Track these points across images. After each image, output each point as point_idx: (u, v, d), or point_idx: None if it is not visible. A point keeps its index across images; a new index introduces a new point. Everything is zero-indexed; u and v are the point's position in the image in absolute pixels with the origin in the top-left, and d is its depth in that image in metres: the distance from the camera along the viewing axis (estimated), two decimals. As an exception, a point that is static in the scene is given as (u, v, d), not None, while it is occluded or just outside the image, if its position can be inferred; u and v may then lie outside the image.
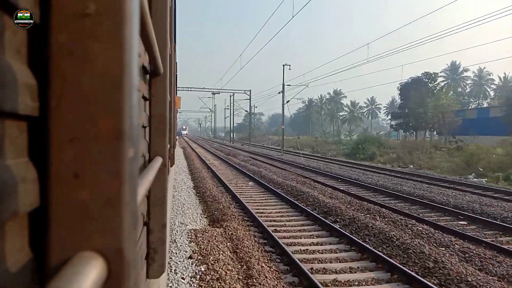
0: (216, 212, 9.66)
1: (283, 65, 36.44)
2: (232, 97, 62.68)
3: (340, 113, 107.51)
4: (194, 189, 13.71)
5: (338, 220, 9.06)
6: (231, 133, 74.91)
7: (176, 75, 13.87)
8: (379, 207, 10.26)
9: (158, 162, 1.50)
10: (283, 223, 8.95)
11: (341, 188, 13.85)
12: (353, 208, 10.31)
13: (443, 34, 29.19)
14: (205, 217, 9.61)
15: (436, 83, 51.87)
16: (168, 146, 2.80)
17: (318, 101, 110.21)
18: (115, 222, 0.41)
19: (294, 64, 36.36)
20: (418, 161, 26.51)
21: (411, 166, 25.78)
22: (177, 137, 58.54)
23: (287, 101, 37.80)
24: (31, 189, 0.45)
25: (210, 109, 79.44)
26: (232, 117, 67.27)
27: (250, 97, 51.80)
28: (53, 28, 0.40)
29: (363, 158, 31.48)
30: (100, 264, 0.40)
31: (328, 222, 8.59)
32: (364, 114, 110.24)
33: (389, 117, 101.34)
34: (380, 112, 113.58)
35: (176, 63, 12.95)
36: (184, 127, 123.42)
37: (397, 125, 54.62)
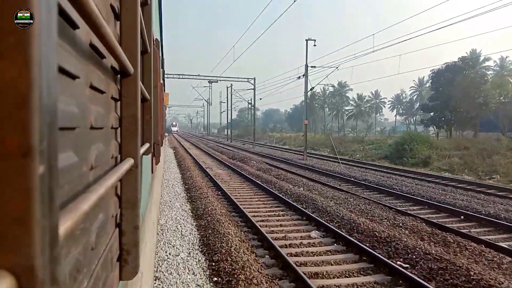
0: None
1: (306, 41, 26.93)
2: (230, 88, 54.86)
3: (346, 108, 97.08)
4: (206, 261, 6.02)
5: None
6: (228, 130, 63.08)
7: (163, 70, 13.79)
8: None
9: (128, 163, 1.50)
10: None
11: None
12: None
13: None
14: None
15: (482, 69, 43.53)
16: (148, 145, 2.79)
17: (321, 94, 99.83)
18: (24, 240, 0.40)
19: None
20: (501, 168, 19.02)
21: (497, 176, 18.18)
22: (166, 134, 53.57)
23: (311, 88, 28.42)
24: None
25: (207, 101, 69.61)
26: (230, 111, 59.30)
27: (254, 86, 43.43)
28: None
29: (413, 163, 24.36)
30: (8, 282, 0.39)
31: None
32: (367, 109, 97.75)
33: (395, 112, 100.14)
34: (384, 106, 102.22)
35: (163, 58, 12.87)
36: (174, 123, 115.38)
37: (430, 120, 45.44)
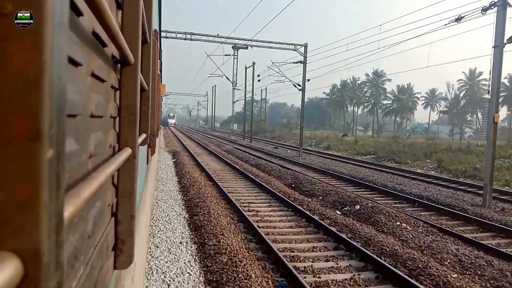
0: None
1: None
2: (250, 67, 37.90)
3: (384, 102, 79.41)
4: None
5: None
6: (235, 124, 49.73)
7: (161, 62, 13.73)
8: None
9: (126, 153, 1.50)
10: None
11: None
12: None
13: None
14: None
15: None
16: (145, 135, 2.78)
17: (351, 84, 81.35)
18: (31, 224, 0.41)
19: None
20: None
21: None
22: (162, 127, 43.58)
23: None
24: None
25: (230, 80, 45.19)
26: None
27: (305, 57, 26.16)
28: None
29: None
30: (15, 264, 0.40)
31: None
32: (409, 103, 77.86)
33: (425, 110, 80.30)
34: (417, 102, 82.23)
35: (161, 49, 12.80)
36: (171, 114, 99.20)
37: None
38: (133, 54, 1.58)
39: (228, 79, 44.58)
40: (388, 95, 78.75)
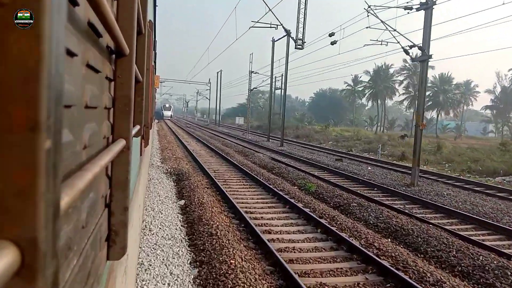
0: None
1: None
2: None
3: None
4: None
5: None
6: (274, 121, 36.28)
7: (155, 53, 13.62)
8: None
9: (120, 144, 1.49)
10: None
11: None
12: None
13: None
14: None
15: None
16: (139, 127, 2.77)
17: (383, 71, 65.28)
18: (28, 213, 0.41)
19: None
20: None
21: None
22: (156, 120, 39.16)
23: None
24: None
25: (284, 28, 26.43)
26: (285, 72, 28.76)
27: None
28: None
29: None
30: (12, 253, 0.40)
31: None
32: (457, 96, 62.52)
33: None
34: (475, 99, 67.28)
35: (155, 40, 12.69)
36: (167, 105, 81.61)
37: None
38: (128, 45, 1.57)
39: (289, 34, 26.49)
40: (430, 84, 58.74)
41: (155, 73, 12.82)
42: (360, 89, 71.89)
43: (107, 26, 1.13)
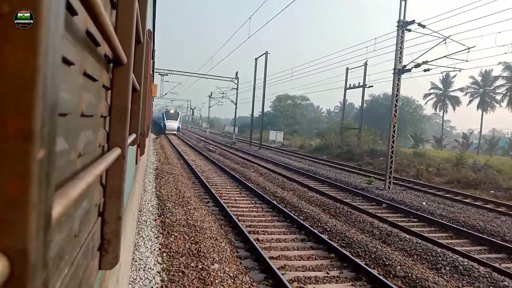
0: None
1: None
2: None
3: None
4: None
5: None
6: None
7: (154, 62, 13.65)
8: None
9: (115, 153, 1.49)
10: None
11: None
12: None
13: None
14: None
15: None
16: (135, 135, 2.77)
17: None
18: (19, 223, 0.41)
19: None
20: None
21: None
22: (155, 136, 31.04)
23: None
24: None
25: None
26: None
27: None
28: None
29: None
30: (2, 264, 0.40)
31: None
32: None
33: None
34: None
35: (154, 49, 12.73)
36: (172, 111, 50.45)
37: None
38: (126, 54, 1.58)
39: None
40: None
41: (153, 82, 12.83)
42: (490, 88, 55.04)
43: (105, 36, 1.13)
